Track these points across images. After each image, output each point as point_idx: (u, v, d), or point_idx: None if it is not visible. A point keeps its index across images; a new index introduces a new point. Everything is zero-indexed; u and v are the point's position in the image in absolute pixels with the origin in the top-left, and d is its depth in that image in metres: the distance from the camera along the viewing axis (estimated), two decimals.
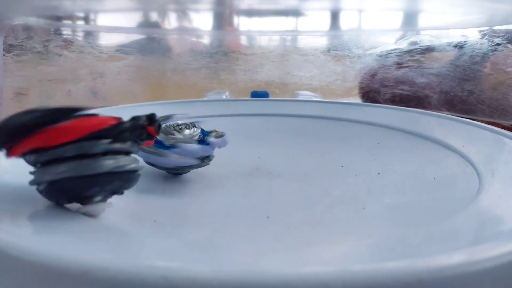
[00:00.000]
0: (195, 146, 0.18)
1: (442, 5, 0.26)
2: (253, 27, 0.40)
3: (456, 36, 0.33)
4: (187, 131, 0.19)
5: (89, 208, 0.12)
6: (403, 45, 0.35)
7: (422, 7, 0.29)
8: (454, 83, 0.31)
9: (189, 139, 0.18)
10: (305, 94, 0.37)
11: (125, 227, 0.14)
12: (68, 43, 0.32)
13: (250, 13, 0.37)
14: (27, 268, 0.10)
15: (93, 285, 0.09)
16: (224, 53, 0.38)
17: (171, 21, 0.38)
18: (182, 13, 0.36)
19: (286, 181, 0.19)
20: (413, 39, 0.35)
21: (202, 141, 0.19)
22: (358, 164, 0.21)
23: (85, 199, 0.12)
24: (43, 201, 0.14)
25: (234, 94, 0.37)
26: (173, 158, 0.18)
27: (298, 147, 0.24)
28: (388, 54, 0.35)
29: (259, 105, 0.32)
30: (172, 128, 0.19)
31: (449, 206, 0.15)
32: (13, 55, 0.28)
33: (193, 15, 0.37)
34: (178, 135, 0.19)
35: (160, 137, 0.18)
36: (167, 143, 0.18)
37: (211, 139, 0.19)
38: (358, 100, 0.37)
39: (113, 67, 0.35)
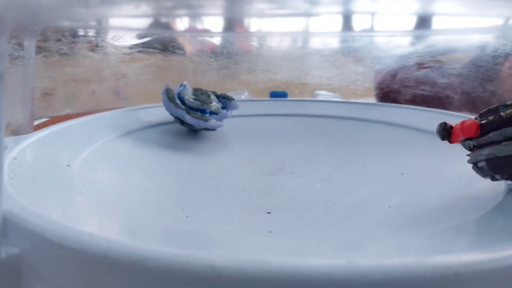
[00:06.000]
0: (226, 112, 0.25)
1: (463, 8, 0.26)
2: (268, 29, 0.40)
3: (477, 37, 0.32)
4: (213, 98, 0.25)
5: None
6: (423, 46, 0.35)
7: (442, 10, 0.29)
8: (476, 83, 0.31)
9: (220, 107, 0.25)
10: (324, 94, 0.37)
11: (171, 219, 0.14)
12: (93, 44, 0.33)
13: (265, 15, 0.38)
14: (80, 258, 0.10)
15: (144, 274, 0.10)
16: (238, 54, 0.39)
17: (184, 23, 0.38)
18: (195, 16, 0.36)
19: (309, 180, 0.19)
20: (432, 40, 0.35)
21: (223, 107, 0.26)
22: (380, 164, 0.21)
23: None
24: (94, 196, 0.15)
25: (253, 94, 0.38)
26: (213, 123, 0.24)
27: (318, 146, 0.24)
28: (409, 54, 0.35)
29: (278, 105, 0.32)
30: (204, 96, 0.25)
31: (477, 205, 0.15)
32: (42, 56, 0.29)
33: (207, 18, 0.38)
34: (215, 104, 0.25)
35: (199, 105, 0.24)
36: (208, 110, 0.24)
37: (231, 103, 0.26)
38: (375, 100, 0.37)
39: (135, 68, 0.36)
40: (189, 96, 0.24)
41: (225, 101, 0.26)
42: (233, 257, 0.09)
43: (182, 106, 0.24)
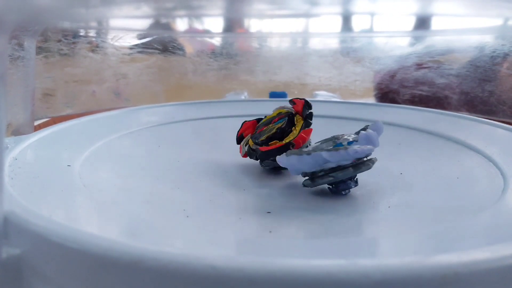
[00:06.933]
0: (373, 132, 0.17)
1: (461, 8, 0.26)
2: (268, 29, 0.40)
3: (476, 37, 0.33)
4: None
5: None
6: (422, 46, 0.35)
7: (441, 10, 0.29)
8: (474, 84, 0.31)
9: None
10: (324, 95, 0.37)
11: (172, 219, 0.14)
12: (93, 45, 0.33)
13: (265, 16, 0.38)
14: (81, 258, 0.10)
15: (144, 274, 0.10)
16: (238, 54, 0.39)
17: (184, 23, 0.38)
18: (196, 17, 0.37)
19: None
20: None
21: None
22: (380, 164, 0.21)
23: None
24: (95, 196, 0.15)
25: (252, 94, 0.38)
26: (353, 149, 0.16)
27: None
28: (408, 55, 0.35)
29: (277, 106, 0.32)
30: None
31: (476, 205, 0.15)
32: (42, 57, 0.29)
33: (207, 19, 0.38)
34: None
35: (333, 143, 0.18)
36: (344, 142, 0.17)
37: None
38: (374, 100, 0.37)
39: (135, 69, 0.36)
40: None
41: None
42: (233, 257, 0.09)
43: None
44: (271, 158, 0.19)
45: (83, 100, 0.33)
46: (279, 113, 0.20)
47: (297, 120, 0.19)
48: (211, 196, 0.17)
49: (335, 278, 0.09)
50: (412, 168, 0.20)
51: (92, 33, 0.34)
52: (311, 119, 0.19)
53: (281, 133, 0.19)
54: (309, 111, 0.19)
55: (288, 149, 0.17)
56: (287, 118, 0.19)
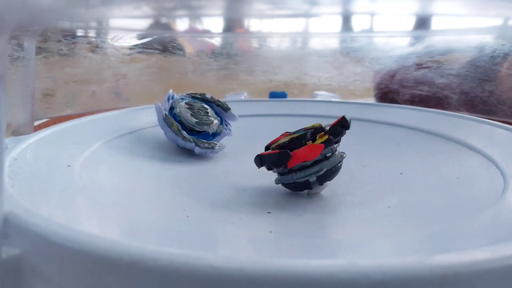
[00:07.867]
0: (229, 131, 0.23)
1: (462, 8, 0.26)
2: (268, 29, 0.40)
3: (476, 37, 0.33)
4: (211, 113, 0.23)
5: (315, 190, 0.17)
6: (422, 46, 0.35)
7: (441, 10, 0.29)
8: (474, 83, 0.31)
9: (219, 123, 0.23)
10: (323, 94, 0.37)
11: (172, 219, 0.14)
12: (93, 45, 0.33)
13: (265, 16, 0.38)
14: (81, 258, 0.10)
15: (144, 274, 0.10)
16: (238, 54, 0.39)
17: (184, 23, 0.38)
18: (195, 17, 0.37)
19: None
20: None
21: (220, 121, 0.24)
22: (380, 164, 0.21)
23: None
24: (94, 196, 0.15)
25: (252, 94, 0.38)
26: (217, 147, 0.22)
27: None
28: (408, 55, 0.35)
29: (277, 106, 0.32)
30: (203, 113, 0.23)
31: (476, 205, 0.15)
32: (42, 57, 0.29)
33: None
34: (215, 122, 0.23)
35: (200, 128, 0.22)
36: (211, 131, 0.23)
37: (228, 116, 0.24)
38: (374, 100, 0.37)
39: (135, 69, 0.36)
40: (188, 118, 0.22)
41: (220, 109, 0.24)
42: (234, 257, 0.09)
43: (191, 138, 0.21)
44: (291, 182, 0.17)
45: (83, 100, 0.33)
46: (313, 126, 0.18)
47: (320, 135, 0.18)
48: (211, 196, 0.17)
49: (335, 278, 0.09)
50: (412, 168, 0.20)
51: (92, 33, 0.34)
52: (335, 136, 0.17)
53: (296, 144, 0.17)
54: (339, 128, 0.17)
55: (285, 159, 0.17)
56: (312, 130, 0.18)
